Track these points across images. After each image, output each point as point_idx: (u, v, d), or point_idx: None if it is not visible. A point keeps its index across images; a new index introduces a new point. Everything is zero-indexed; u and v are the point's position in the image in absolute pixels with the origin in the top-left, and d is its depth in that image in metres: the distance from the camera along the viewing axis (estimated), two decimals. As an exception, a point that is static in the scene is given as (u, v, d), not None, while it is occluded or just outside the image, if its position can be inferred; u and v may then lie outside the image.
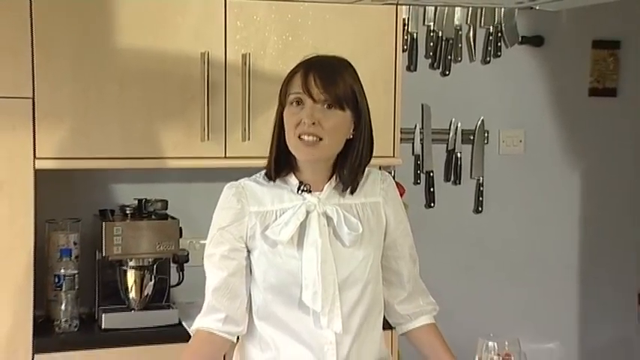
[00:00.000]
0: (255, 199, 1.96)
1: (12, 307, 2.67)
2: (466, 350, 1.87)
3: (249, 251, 1.97)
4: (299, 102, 1.90)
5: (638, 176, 3.81)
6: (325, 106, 1.89)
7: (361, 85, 1.96)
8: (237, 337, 2.02)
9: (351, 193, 1.99)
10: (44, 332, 2.78)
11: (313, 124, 1.86)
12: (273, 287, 1.95)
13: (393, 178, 2.12)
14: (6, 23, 2.66)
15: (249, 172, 2.04)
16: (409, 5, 3.37)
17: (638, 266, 3.82)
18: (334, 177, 1.99)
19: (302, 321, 1.93)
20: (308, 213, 1.94)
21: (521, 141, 3.70)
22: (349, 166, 1.96)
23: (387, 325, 2.11)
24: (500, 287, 3.65)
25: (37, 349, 2.70)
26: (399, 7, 3.02)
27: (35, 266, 2.73)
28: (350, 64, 1.98)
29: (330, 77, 1.89)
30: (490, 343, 1.76)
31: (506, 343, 1.76)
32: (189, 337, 2.05)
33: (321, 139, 1.88)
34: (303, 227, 1.93)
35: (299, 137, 1.88)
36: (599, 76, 3.76)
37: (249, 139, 2.89)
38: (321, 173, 1.98)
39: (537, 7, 2.50)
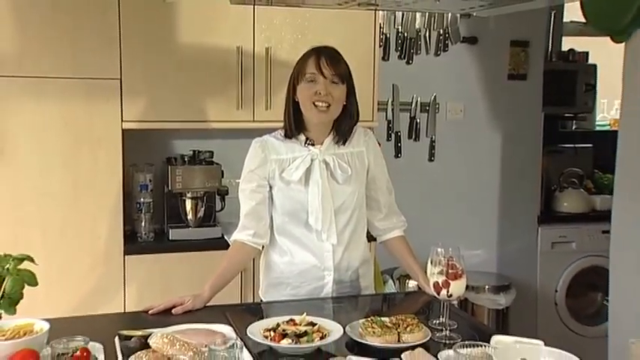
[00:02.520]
0: (274, 150, 1.91)
1: (109, 224, 2.65)
2: (422, 254, 1.83)
3: (270, 187, 1.92)
4: (312, 80, 1.82)
5: (539, 134, 3.72)
6: (332, 81, 1.82)
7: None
8: (263, 247, 1.98)
9: (343, 143, 1.93)
10: (130, 241, 2.76)
11: (326, 94, 1.81)
12: (288, 212, 1.91)
13: (372, 136, 2.05)
14: (101, 25, 2.59)
15: (270, 131, 1.98)
16: (385, 11, 3.26)
17: (537, 198, 3.75)
18: (332, 134, 1.92)
19: (308, 236, 1.90)
20: (312, 160, 1.89)
21: (461, 111, 3.61)
22: (345, 124, 1.91)
23: (370, 238, 2.07)
24: (446, 212, 3.60)
25: (126, 252, 2.68)
26: (376, 13, 2.93)
27: (124, 196, 2.69)
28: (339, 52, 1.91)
29: (335, 60, 1.84)
30: (439, 250, 1.70)
31: (450, 249, 1.70)
32: (229, 245, 2.01)
33: (330, 106, 1.83)
34: (308, 171, 1.88)
35: (314, 104, 1.82)
36: (514, 65, 3.66)
37: (270, 108, 2.82)
38: (322, 132, 1.92)
39: (474, 14, 2.41)
